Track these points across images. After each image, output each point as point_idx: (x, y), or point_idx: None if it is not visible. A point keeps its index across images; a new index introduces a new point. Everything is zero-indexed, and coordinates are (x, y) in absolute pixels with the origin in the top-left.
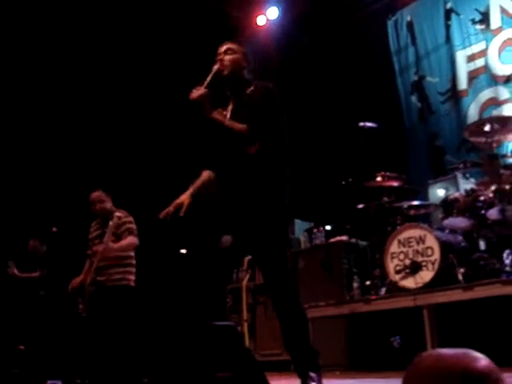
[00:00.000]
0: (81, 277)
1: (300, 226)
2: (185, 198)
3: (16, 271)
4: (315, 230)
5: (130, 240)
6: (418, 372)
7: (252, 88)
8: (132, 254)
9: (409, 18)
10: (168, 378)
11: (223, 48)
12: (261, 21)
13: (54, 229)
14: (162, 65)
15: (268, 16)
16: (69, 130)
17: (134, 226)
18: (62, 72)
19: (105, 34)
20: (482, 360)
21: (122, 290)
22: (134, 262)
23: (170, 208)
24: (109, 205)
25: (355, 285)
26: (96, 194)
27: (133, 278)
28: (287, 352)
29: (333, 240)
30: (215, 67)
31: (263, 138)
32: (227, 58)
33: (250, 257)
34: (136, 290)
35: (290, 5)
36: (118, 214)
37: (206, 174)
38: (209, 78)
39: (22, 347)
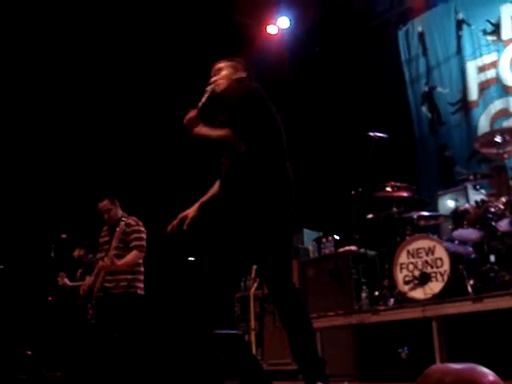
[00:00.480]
0: (90, 280)
1: (309, 236)
2: (190, 211)
3: (67, 281)
4: (324, 240)
5: (135, 255)
6: None
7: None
8: (140, 261)
9: (420, 29)
10: None
11: (212, 71)
12: (272, 30)
13: (64, 235)
14: (174, 72)
15: (279, 25)
16: (83, 138)
17: (143, 234)
18: (75, 78)
19: (115, 42)
20: (490, 376)
21: (129, 297)
22: (142, 269)
23: (175, 221)
24: (118, 212)
25: (364, 295)
26: (103, 204)
27: (141, 285)
28: (295, 361)
29: (342, 250)
30: (209, 88)
31: (245, 138)
32: (218, 76)
33: None
34: (144, 297)
35: (302, 14)
36: (126, 220)
37: (216, 185)
38: (204, 100)
39: (29, 352)
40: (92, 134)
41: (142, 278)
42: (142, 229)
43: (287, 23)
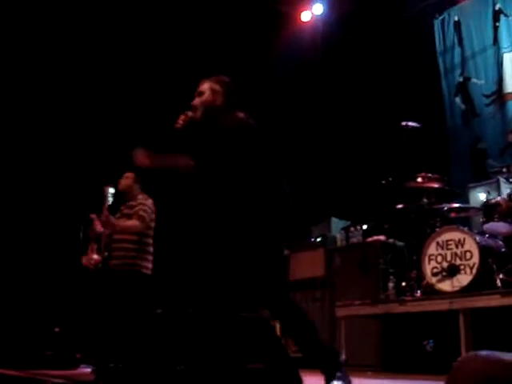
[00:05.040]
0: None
1: (336, 225)
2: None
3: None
4: (352, 229)
5: (133, 223)
6: (465, 374)
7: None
8: (149, 240)
9: (456, 18)
10: (202, 367)
11: (197, 91)
12: (306, 16)
13: (92, 215)
14: (208, 57)
15: (313, 12)
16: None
17: (147, 208)
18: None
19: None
20: None
21: (132, 274)
22: (150, 249)
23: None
24: (134, 186)
25: (391, 285)
26: (126, 173)
27: (148, 265)
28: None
29: (370, 239)
30: (189, 113)
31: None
32: (197, 100)
33: (284, 252)
34: (150, 278)
35: (336, 2)
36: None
37: None
38: (182, 124)
39: (57, 329)
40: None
41: (149, 257)
42: (148, 206)
43: (321, 10)
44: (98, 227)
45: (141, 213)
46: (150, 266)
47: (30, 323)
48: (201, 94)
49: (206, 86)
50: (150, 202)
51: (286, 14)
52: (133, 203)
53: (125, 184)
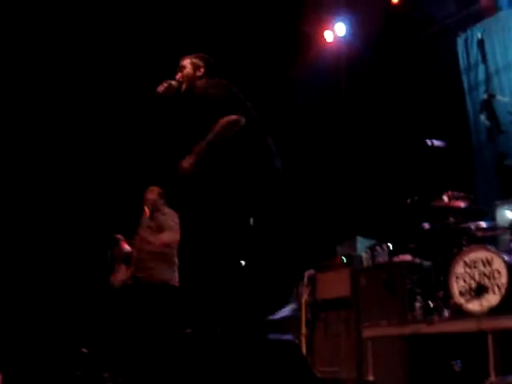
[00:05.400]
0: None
1: (362, 243)
2: None
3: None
4: (378, 248)
5: (170, 237)
6: None
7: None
8: (175, 252)
9: (480, 36)
10: None
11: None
12: (329, 37)
13: (118, 236)
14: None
15: (336, 32)
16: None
17: (175, 222)
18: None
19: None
20: None
21: (161, 288)
22: (176, 260)
23: None
24: (158, 200)
25: (418, 305)
26: (151, 187)
27: (177, 277)
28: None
29: (396, 259)
30: (174, 83)
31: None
32: (179, 75)
33: (310, 272)
34: (179, 290)
35: (359, 22)
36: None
37: None
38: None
39: (85, 350)
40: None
41: (176, 269)
42: (176, 218)
43: (344, 30)
44: (125, 247)
45: (172, 224)
46: (177, 277)
47: (59, 344)
48: (182, 68)
49: (187, 61)
50: (175, 214)
51: (309, 34)
52: (158, 215)
53: (150, 198)
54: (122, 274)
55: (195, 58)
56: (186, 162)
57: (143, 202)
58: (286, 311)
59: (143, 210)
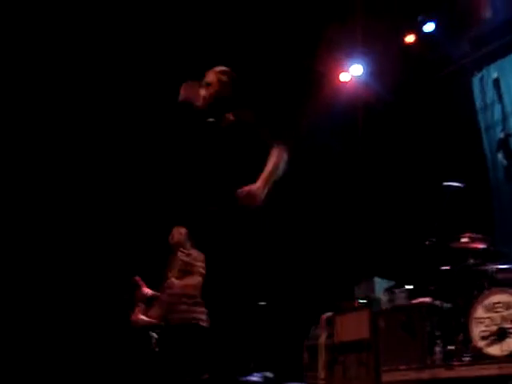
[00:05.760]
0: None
1: (380, 284)
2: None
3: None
4: (397, 290)
5: (196, 280)
6: None
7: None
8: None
9: (495, 75)
10: None
11: (204, 81)
12: (345, 77)
13: (137, 278)
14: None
15: (352, 73)
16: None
17: (204, 267)
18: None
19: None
20: None
21: (191, 328)
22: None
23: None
24: (186, 242)
25: (437, 349)
26: (179, 228)
27: (203, 317)
28: None
29: (415, 301)
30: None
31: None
32: (206, 92)
33: (328, 314)
34: (207, 330)
35: (374, 62)
36: (188, 250)
37: None
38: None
39: None
40: None
41: (203, 309)
42: (203, 261)
43: (360, 71)
44: (145, 289)
45: (201, 270)
46: (206, 318)
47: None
48: (208, 85)
49: (213, 77)
50: (203, 257)
51: (326, 74)
52: (187, 259)
53: (178, 239)
54: (142, 314)
55: (223, 74)
56: (259, 191)
57: (170, 244)
58: (257, 377)
59: (171, 252)
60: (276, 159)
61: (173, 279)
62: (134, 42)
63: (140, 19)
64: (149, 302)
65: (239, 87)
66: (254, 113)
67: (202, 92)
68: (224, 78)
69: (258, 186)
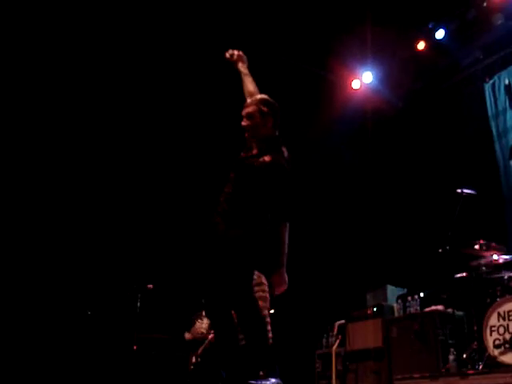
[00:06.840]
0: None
1: (392, 292)
2: None
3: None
4: (409, 298)
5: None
6: None
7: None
8: (267, 312)
9: (507, 82)
10: None
11: (244, 112)
12: (355, 85)
13: (150, 286)
14: None
15: (363, 80)
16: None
17: (265, 290)
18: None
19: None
20: None
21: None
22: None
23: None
24: None
25: (451, 357)
26: None
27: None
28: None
29: (428, 309)
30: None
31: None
32: (246, 122)
33: (340, 322)
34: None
35: (385, 69)
36: None
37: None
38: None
39: None
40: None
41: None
42: (265, 282)
43: (371, 78)
44: None
45: (261, 293)
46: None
47: None
48: (249, 116)
49: (255, 108)
50: (264, 279)
51: (336, 82)
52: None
53: None
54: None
55: (265, 105)
56: (284, 280)
57: None
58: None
59: None
60: (287, 239)
61: None
62: (137, 45)
63: (140, 25)
64: None
65: (279, 119)
66: (290, 161)
67: (243, 123)
68: (265, 109)
69: (284, 276)
